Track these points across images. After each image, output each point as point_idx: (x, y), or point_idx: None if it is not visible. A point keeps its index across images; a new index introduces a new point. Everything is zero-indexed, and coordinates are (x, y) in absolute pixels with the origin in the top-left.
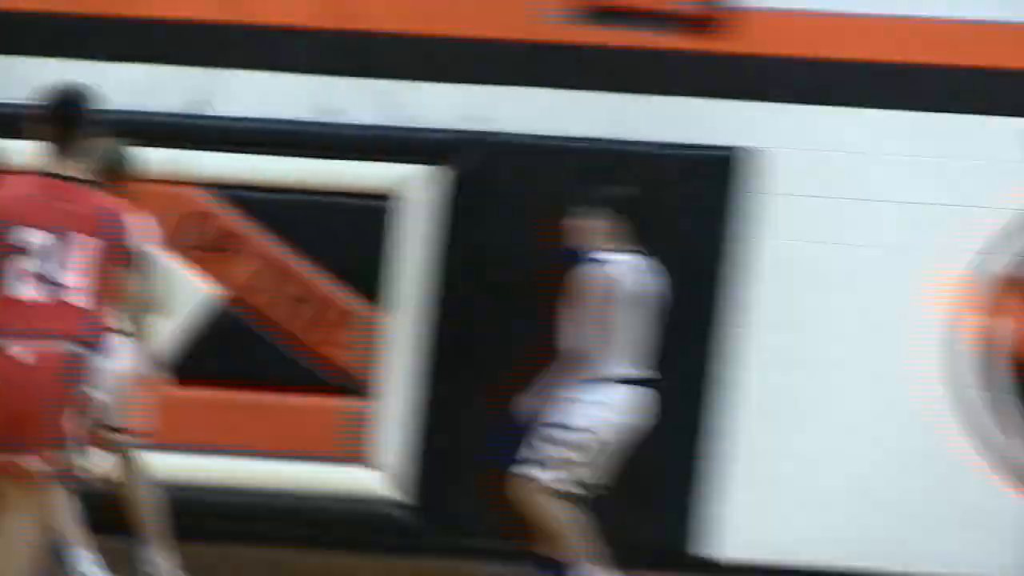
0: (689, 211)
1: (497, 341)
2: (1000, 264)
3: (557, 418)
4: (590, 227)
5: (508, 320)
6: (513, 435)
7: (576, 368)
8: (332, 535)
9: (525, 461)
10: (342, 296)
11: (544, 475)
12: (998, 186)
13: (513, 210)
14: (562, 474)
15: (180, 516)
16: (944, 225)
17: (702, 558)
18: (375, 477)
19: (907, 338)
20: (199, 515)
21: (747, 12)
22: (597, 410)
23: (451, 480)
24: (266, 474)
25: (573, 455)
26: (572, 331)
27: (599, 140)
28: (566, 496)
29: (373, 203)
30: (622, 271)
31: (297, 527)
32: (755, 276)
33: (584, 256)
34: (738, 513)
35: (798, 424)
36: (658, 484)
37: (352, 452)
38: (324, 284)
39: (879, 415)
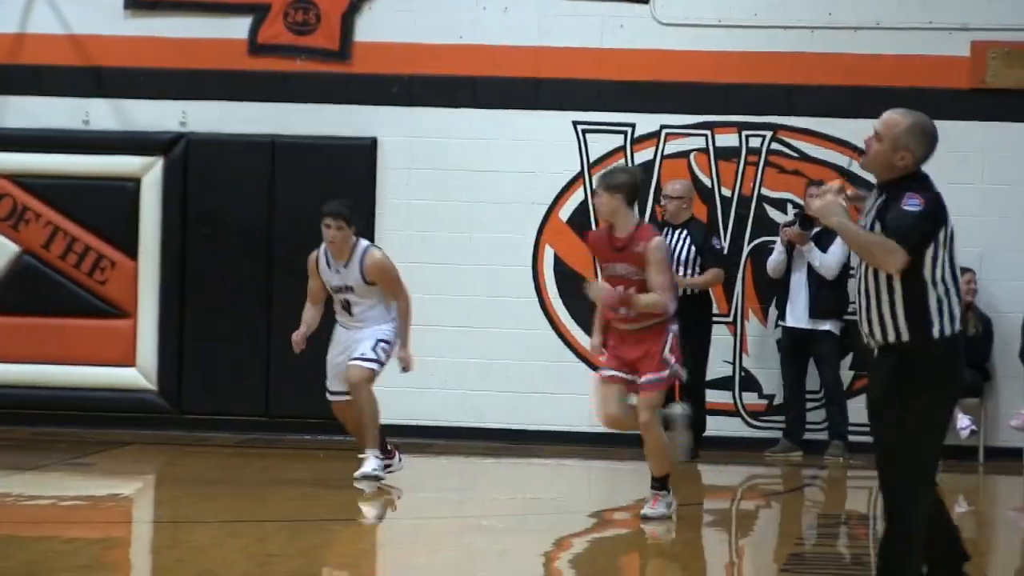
0: (344, 182)
1: (211, 275)
2: (563, 209)
3: (383, 335)
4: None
5: (218, 260)
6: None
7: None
8: (109, 416)
9: (366, 360)
10: (107, 249)
11: (379, 368)
12: (554, 159)
13: (209, 185)
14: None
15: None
16: (519, 184)
17: None
18: (135, 375)
19: (501, 261)
20: (16, 406)
21: (363, 43)
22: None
23: (185, 375)
24: (60, 376)
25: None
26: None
27: (271, 136)
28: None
29: (121, 184)
30: None
31: (85, 411)
32: (389, 223)
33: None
34: (398, 389)
35: (431, 327)
36: None
37: (119, 358)
38: (93, 242)
39: (486, 317)
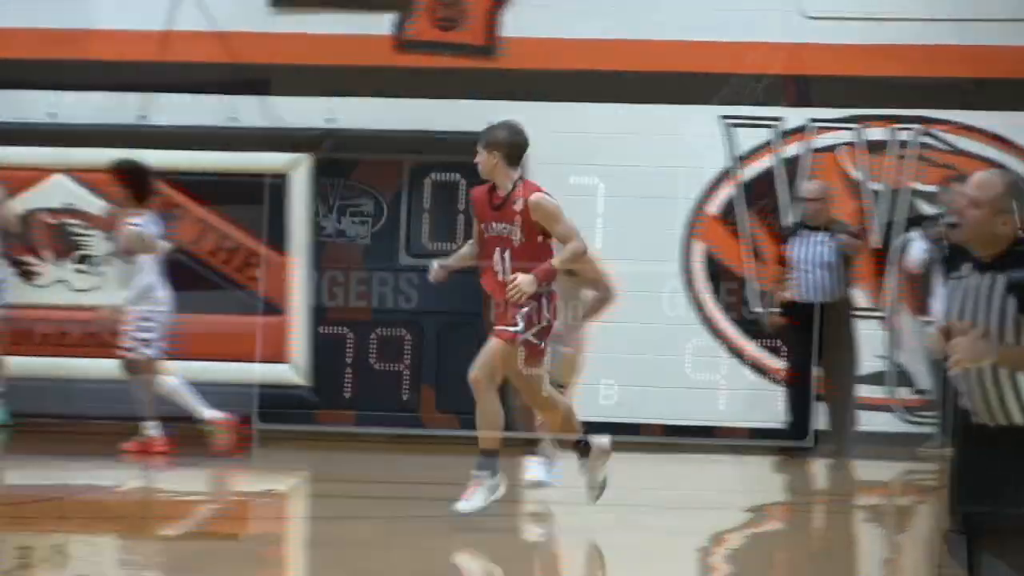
0: None
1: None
2: (711, 205)
3: None
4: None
5: None
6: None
7: None
8: (266, 411)
9: None
10: (257, 246)
11: None
12: (701, 153)
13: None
14: None
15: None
16: (665, 179)
17: None
18: (289, 371)
19: (651, 256)
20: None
21: (509, 38)
22: None
23: (339, 370)
24: (214, 373)
25: None
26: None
27: (416, 131)
28: None
29: (271, 180)
30: None
31: (238, 408)
32: None
33: None
34: None
35: None
36: None
37: (271, 354)
38: (245, 238)
39: (636, 312)
